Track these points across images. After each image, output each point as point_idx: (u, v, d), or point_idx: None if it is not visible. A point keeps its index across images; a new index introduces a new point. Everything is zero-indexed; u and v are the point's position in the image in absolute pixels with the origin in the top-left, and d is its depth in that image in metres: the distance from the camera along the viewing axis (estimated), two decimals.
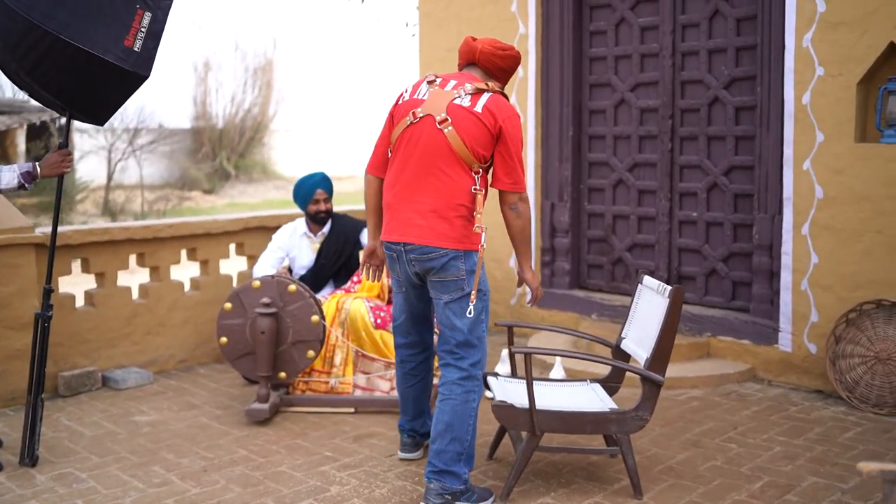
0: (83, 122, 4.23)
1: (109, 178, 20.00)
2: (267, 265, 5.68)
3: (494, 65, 3.72)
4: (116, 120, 18.58)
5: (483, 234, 3.55)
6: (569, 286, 6.63)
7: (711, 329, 5.74)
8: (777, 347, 5.41)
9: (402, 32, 12.14)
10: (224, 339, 4.89)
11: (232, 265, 6.38)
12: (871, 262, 5.01)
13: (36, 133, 18.08)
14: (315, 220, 5.73)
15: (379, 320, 5.18)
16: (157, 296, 5.76)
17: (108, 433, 4.60)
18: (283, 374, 4.89)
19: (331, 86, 30.91)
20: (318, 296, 5.36)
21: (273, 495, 3.80)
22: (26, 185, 4.06)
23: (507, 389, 3.95)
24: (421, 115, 3.61)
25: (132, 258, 5.73)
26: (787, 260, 5.33)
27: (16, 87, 5.76)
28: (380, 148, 3.85)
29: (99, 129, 19.32)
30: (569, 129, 6.53)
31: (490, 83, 3.66)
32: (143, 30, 3.96)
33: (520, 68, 6.60)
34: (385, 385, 5.16)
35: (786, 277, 5.34)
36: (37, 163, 4.10)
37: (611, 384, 4.15)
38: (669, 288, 3.72)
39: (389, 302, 5.41)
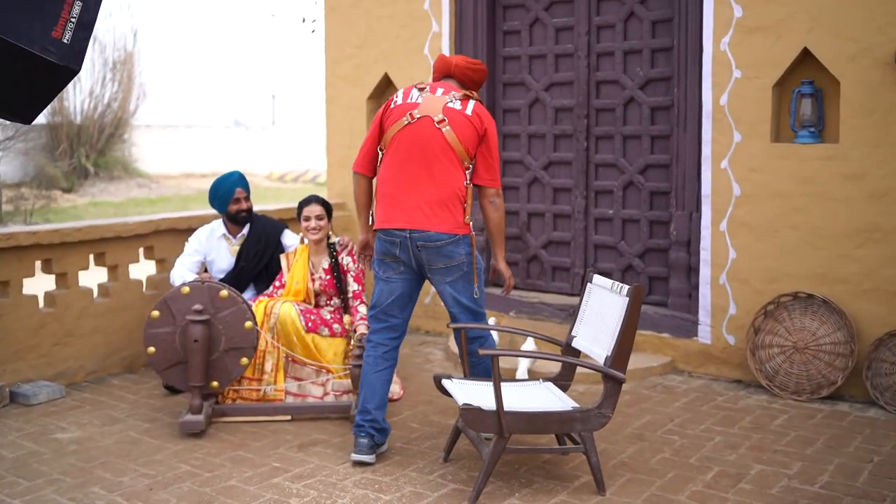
0: (7, 119, 3.91)
1: None
2: (185, 270, 5.44)
3: (468, 77, 4.24)
4: None
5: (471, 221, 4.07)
6: (485, 284, 6.64)
7: None
8: (696, 340, 5.61)
9: (300, 28, 11.84)
10: (152, 349, 4.65)
11: (141, 270, 6.07)
12: (786, 256, 5.25)
13: None
14: (236, 221, 5.52)
15: (310, 324, 5.05)
16: (65, 304, 5.41)
17: (30, 453, 4.29)
18: (215, 384, 4.69)
19: (197, 80, 30.00)
20: None
21: None
22: None
23: (467, 391, 3.92)
24: (418, 116, 4.05)
25: (38, 264, 5.35)
26: (705, 255, 5.53)
27: None
28: (369, 148, 4.21)
29: None
30: None
31: (469, 92, 4.16)
32: (73, 20, 3.66)
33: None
34: (317, 391, 5.04)
35: (704, 272, 5.54)
36: None
37: (562, 382, 4.19)
38: (627, 287, 3.78)
39: (318, 306, 5.28)
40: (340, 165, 7.19)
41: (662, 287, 5.95)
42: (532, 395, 4.00)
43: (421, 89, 4.13)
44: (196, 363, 4.56)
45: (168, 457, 4.24)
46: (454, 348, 5.94)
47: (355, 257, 5.25)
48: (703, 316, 5.56)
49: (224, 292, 4.68)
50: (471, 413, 3.64)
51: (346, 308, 5.26)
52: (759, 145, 5.29)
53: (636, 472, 4.01)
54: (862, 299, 5.04)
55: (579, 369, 4.55)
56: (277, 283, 5.37)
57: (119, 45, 24.03)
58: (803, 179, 5.17)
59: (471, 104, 4.08)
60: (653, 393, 5.23)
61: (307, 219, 5.18)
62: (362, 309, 5.18)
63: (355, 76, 7.05)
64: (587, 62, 6.13)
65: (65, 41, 3.68)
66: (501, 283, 4.91)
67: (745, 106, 5.31)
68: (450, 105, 4.05)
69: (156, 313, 4.65)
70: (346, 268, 5.23)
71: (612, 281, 3.95)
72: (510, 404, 3.72)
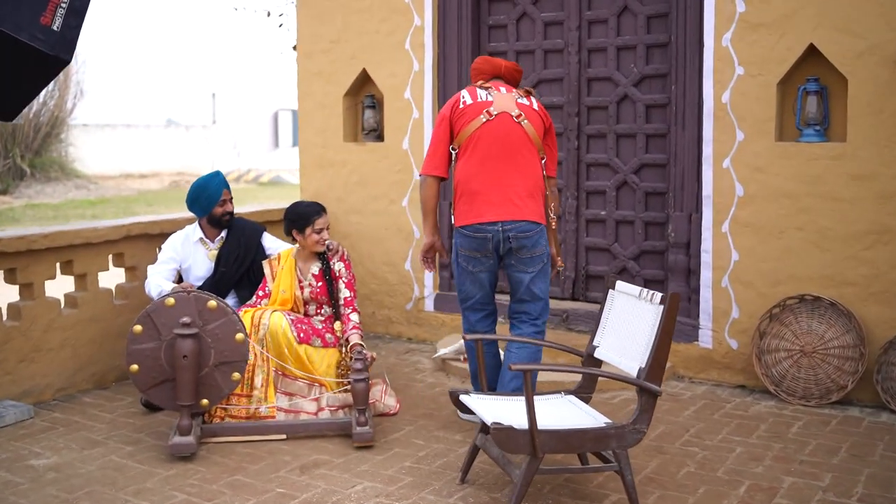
0: None
1: None
2: (161, 279, 5.09)
3: (514, 78, 4.53)
4: None
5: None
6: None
7: None
8: (697, 344, 5.44)
9: (265, 22, 11.45)
10: (135, 367, 4.29)
11: (110, 278, 5.67)
12: (791, 258, 5.11)
13: None
14: (219, 224, 5.20)
15: (302, 334, 4.75)
16: (31, 317, 5.01)
17: (5, 483, 3.90)
18: (205, 402, 4.35)
19: (136, 79, 29.18)
20: None
21: None
22: None
23: (490, 408, 3.67)
24: (495, 112, 4.26)
25: (0, 274, 4.95)
26: (706, 257, 5.37)
27: None
28: (442, 150, 4.35)
29: None
30: None
31: (529, 89, 4.48)
32: (63, 5, 3.32)
33: (415, 61, 6.33)
34: (311, 406, 4.73)
35: (706, 275, 5.38)
36: None
37: (584, 395, 3.96)
38: (660, 294, 3.57)
39: (307, 315, 4.98)
40: (315, 166, 6.87)
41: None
42: (558, 411, 3.76)
43: (486, 88, 4.35)
44: (185, 380, 4.22)
45: (159, 484, 3.90)
46: (442, 355, 5.69)
47: (347, 262, 4.97)
48: (705, 320, 5.40)
49: (212, 303, 4.35)
50: (502, 433, 3.38)
51: (336, 316, 4.97)
52: (762, 144, 5.14)
53: (666, 489, 3.80)
54: (871, 302, 4.92)
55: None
56: (261, 293, 5.05)
57: None
58: (809, 179, 5.03)
59: (534, 100, 4.41)
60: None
61: (319, 231, 4.85)
62: (354, 317, 4.90)
63: (330, 72, 6.74)
64: (578, 58, 5.92)
65: (54, 28, 3.33)
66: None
67: (748, 104, 5.15)
68: (520, 101, 4.33)
69: (138, 328, 4.30)
70: (338, 274, 4.94)
71: (639, 288, 3.75)
72: (541, 422, 3.48)
